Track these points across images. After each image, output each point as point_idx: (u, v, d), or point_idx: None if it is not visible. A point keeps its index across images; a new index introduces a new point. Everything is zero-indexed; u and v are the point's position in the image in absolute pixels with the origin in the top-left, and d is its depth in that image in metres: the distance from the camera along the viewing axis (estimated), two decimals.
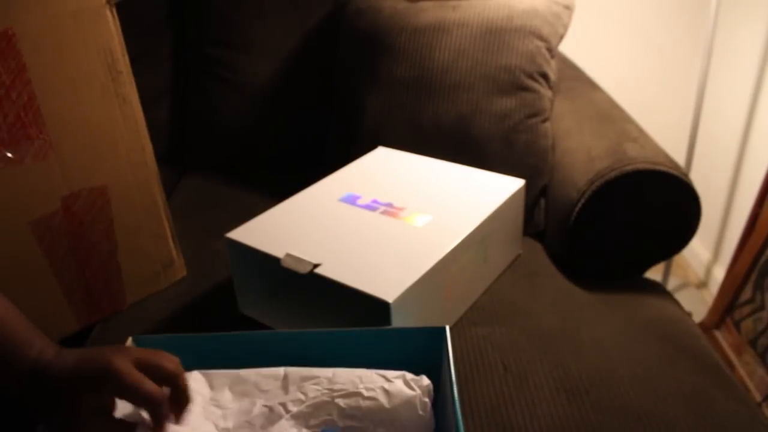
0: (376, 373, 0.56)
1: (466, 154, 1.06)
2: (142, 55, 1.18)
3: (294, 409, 0.55)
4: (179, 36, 1.34)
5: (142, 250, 0.89)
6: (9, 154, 0.71)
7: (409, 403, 0.55)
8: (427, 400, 0.55)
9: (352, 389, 0.55)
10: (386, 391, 0.55)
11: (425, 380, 0.56)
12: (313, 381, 0.57)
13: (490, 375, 0.74)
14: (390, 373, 0.56)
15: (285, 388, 0.57)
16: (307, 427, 0.54)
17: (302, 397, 0.56)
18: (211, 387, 0.58)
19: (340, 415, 0.54)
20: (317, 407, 0.55)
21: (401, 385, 0.55)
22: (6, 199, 0.73)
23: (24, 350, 0.52)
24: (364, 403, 0.54)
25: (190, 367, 0.61)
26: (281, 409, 0.55)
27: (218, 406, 0.57)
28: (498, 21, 1.08)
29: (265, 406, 0.56)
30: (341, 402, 0.55)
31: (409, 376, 0.56)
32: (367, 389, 0.55)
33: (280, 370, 0.58)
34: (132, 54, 0.81)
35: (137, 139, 0.84)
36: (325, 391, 0.55)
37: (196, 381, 0.58)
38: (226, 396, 0.57)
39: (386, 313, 0.67)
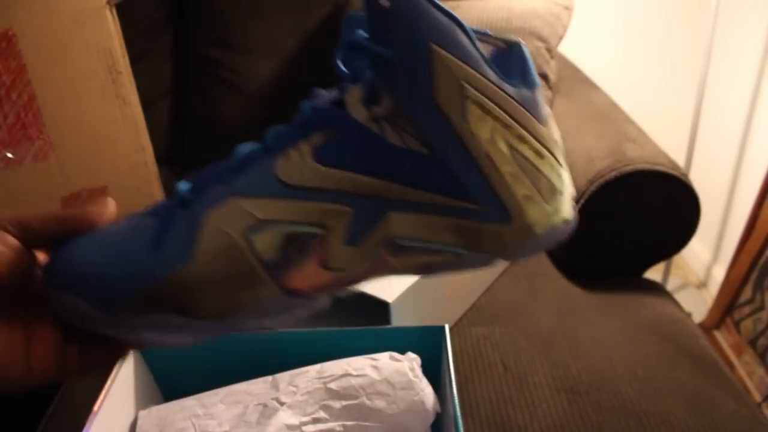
0: (362, 358, 0.58)
1: None
2: (142, 55, 1.18)
3: (288, 400, 0.55)
4: (179, 36, 1.34)
5: None
6: (9, 155, 0.72)
7: (399, 371, 0.56)
8: (416, 366, 0.56)
9: (341, 373, 0.56)
10: (375, 367, 0.56)
11: (411, 354, 0.57)
12: (302, 375, 0.57)
13: (490, 375, 0.74)
14: (376, 355, 0.58)
15: (276, 387, 0.57)
16: (305, 414, 0.54)
17: (294, 389, 0.56)
18: (204, 407, 0.58)
19: (334, 398, 0.55)
20: (311, 394, 0.55)
21: (388, 360, 0.57)
22: (6, 199, 0.73)
23: None
24: (355, 381, 0.55)
25: (189, 368, 0.60)
26: (275, 404, 0.55)
27: (212, 417, 0.57)
28: (497, 22, 1.08)
29: (259, 404, 0.56)
30: (333, 385, 0.55)
31: (395, 354, 0.57)
32: (356, 369, 0.56)
33: (269, 377, 0.59)
34: (132, 54, 0.81)
35: (137, 140, 0.84)
36: (316, 380, 0.56)
37: (188, 406, 0.58)
38: (219, 407, 0.58)
39: (386, 313, 0.67)
